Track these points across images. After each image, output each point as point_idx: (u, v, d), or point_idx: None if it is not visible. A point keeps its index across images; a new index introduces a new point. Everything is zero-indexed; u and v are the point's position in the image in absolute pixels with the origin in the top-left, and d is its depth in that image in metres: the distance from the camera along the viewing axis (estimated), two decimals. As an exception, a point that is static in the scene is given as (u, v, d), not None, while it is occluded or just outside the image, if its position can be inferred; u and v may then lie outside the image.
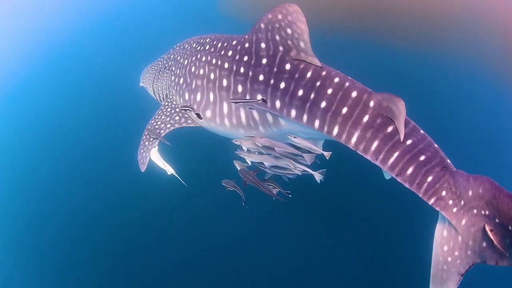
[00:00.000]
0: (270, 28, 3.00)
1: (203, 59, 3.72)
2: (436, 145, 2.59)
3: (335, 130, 2.72)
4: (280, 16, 2.92)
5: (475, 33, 10.92)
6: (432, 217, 2.71)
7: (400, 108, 2.48)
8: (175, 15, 13.71)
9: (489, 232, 2.26)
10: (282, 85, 2.95)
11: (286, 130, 3.17)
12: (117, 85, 9.39)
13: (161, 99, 4.80)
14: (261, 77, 3.09)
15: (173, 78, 4.30)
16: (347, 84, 2.75)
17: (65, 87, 11.30)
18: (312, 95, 2.80)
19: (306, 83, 2.85)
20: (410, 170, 2.50)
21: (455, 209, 2.44)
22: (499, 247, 2.22)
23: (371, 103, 2.62)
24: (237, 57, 3.31)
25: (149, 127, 4.08)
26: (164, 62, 4.74)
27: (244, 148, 3.43)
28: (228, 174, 3.82)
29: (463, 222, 2.43)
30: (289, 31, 2.91)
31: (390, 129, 2.56)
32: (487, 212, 2.30)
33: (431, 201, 2.49)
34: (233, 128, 3.58)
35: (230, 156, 3.76)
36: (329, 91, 2.75)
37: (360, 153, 2.67)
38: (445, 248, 2.58)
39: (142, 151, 4.03)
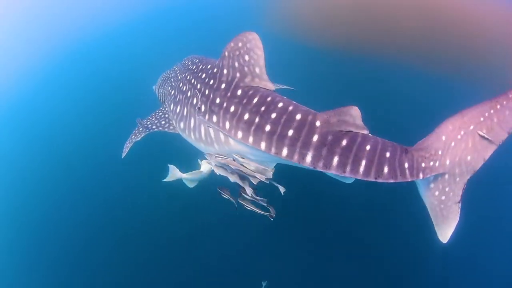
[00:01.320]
0: (232, 55, 3.35)
1: (188, 77, 4.25)
2: (386, 140, 2.86)
3: (284, 152, 2.88)
4: (240, 44, 3.27)
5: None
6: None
7: (354, 114, 2.72)
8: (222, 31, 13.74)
9: (479, 136, 2.67)
10: (232, 108, 3.25)
11: (236, 150, 3.43)
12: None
13: (161, 103, 5.44)
14: (217, 100, 3.43)
15: (169, 89, 4.95)
16: (290, 108, 2.98)
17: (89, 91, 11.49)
18: (257, 119, 3.03)
19: (251, 108, 3.10)
20: (386, 169, 2.68)
21: (437, 163, 2.76)
22: (487, 137, 2.62)
23: (317, 123, 2.82)
24: (206, 80, 3.75)
25: (140, 119, 4.81)
26: (171, 72, 5.35)
27: (212, 162, 3.77)
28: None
29: (447, 162, 2.76)
30: (246, 57, 3.24)
31: (344, 142, 2.72)
32: (462, 132, 2.69)
33: (421, 176, 2.75)
34: (196, 141, 4.02)
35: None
36: (273, 115, 2.97)
37: (320, 170, 2.78)
38: (436, 193, 2.92)
39: (128, 141, 4.76)
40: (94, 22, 16.20)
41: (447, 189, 2.86)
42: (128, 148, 4.86)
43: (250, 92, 3.20)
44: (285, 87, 5.85)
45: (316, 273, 5.95)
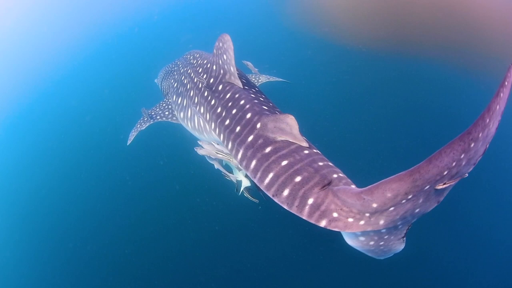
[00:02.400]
0: (216, 53, 3.67)
1: (188, 71, 4.58)
2: (319, 163, 2.46)
3: (229, 146, 3.03)
4: (220, 44, 3.55)
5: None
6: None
7: (291, 123, 2.58)
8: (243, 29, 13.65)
9: (440, 187, 1.84)
10: (212, 102, 3.58)
11: (216, 139, 3.66)
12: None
13: (164, 95, 5.76)
14: (205, 93, 3.79)
15: (172, 81, 5.29)
16: (247, 106, 3.06)
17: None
18: (224, 113, 3.26)
19: (223, 103, 3.37)
20: (286, 192, 2.36)
21: (362, 222, 2.10)
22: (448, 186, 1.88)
23: (258, 125, 2.79)
24: (201, 74, 4.10)
25: (146, 109, 5.28)
26: (173, 66, 5.64)
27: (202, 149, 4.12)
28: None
29: (382, 222, 2.10)
30: (224, 57, 3.51)
31: (268, 149, 2.59)
32: (410, 196, 1.89)
33: (323, 224, 2.18)
34: (192, 130, 4.39)
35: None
36: (234, 111, 3.15)
37: (243, 169, 2.79)
38: (371, 243, 2.39)
39: (134, 130, 5.28)
40: (104, 24, 16.45)
41: (386, 236, 2.33)
42: (133, 136, 5.32)
43: (227, 88, 3.48)
44: (278, 79, 6.22)
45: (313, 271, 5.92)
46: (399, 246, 2.41)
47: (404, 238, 2.36)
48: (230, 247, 6.16)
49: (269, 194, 2.45)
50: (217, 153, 3.79)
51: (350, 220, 2.11)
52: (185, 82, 4.60)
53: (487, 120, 1.64)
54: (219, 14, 15.44)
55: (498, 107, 1.66)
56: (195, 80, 4.22)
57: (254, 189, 3.77)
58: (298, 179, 2.34)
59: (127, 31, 15.42)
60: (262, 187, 2.51)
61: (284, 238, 6.06)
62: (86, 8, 18.05)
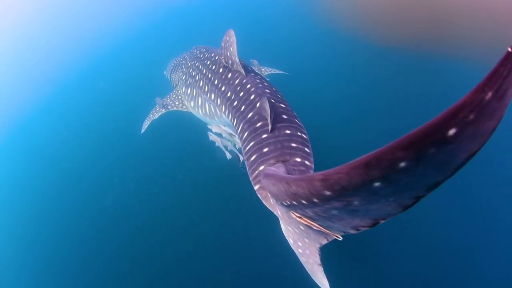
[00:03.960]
0: (224, 46, 4.18)
1: (196, 64, 5.05)
2: (292, 144, 2.72)
3: (234, 122, 3.52)
4: (227, 38, 4.10)
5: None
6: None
7: (264, 105, 3.03)
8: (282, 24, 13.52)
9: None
10: (223, 88, 4.07)
11: (226, 122, 4.17)
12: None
13: (174, 86, 6.23)
14: (215, 82, 4.29)
15: (180, 74, 5.74)
16: (252, 89, 3.53)
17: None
18: (233, 96, 3.74)
19: (233, 88, 3.85)
20: (252, 158, 2.84)
21: (272, 201, 2.35)
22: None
23: (257, 104, 3.26)
24: (210, 66, 4.58)
25: (159, 98, 5.91)
26: (181, 60, 6.09)
27: (213, 130, 4.78)
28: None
29: (279, 212, 2.27)
30: (231, 49, 4.04)
31: (258, 124, 3.03)
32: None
33: (256, 188, 2.65)
34: (203, 116, 4.93)
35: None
36: (241, 94, 3.63)
37: (240, 141, 3.22)
38: (291, 240, 2.45)
39: (147, 119, 5.86)
40: (115, 23, 16.72)
41: (299, 243, 2.31)
42: (147, 125, 5.83)
43: (236, 75, 3.96)
44: (277, 71, 6.62)
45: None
46: (322, 277, 2.29)
47: (322, 269, 2.26)
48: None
49: (244, 158, 2.96)
50: (225, 135, 4.38)
51: (268, 196, 2.42)
52: (194, 74, 5.07)
53: None
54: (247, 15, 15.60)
55: None
56: (204, 71, 4.70)
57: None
58: (265, 150, 2.76)
59: (139, 31, 15.70)
60: (243, 154, 3.00)
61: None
62: (102, 14, 18.35)
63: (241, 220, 6.23)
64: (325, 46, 10.58)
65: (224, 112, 3.92)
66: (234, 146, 4.56)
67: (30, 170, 9.57)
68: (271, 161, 2.63)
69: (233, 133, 4.21)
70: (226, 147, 4.64)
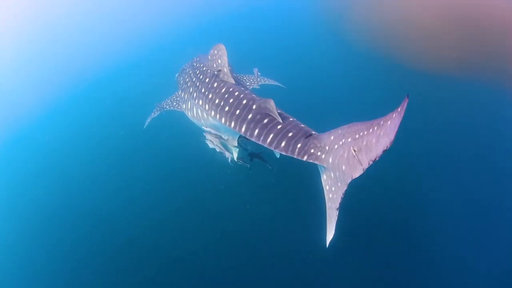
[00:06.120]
0: (211, 58, 4.92)
1: (190, 72, 5.81)
2: (302, 125, 3.69)
3: (232, 125, 4.16)
4: (215, 51, 4.84)
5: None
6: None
7: (272, 104, 3.81)
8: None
9: (352, 152, 2.64)
10: (210, 95, 4.75)
11: (212, 124, 4.92)
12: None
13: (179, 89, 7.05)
14: (202, 90, 5.01)
15: (181, 79, 6.44)
16: (241, 95, 4.25)
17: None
18: (222, 103, 4.43)
19: (221, 95, 4.55)
20: (283, 143, 3.58)
21: (323, 155, 3.27)
22: (357, 158, 2.59)
23: (254, 106, 4.02)
24: (198, 75, 5.31)
25: (158, 103, 6.67)
26: (185, 66, 6.76)
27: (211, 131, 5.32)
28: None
29: (330, 160, 3.14)
30: (219, 61, 4.76)
31: (265, 121, 3.81)
32: (343, 140, 2.93)
33: (305, 158, 3.40)
34: (192, 118, 5.69)
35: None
36: (231, 100, 4.32)
37: (248, 137, 3.95)
38: (327, 187, 3.28)
39: (149, 117, 6.55)
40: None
41: (333, 188, 3.12)
42: (148, 122, 6.57)
43: (221, 85, 4.64)
44: (275, 83, 7.10)
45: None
46: (333, 222, 3.07)
47: (337, 214, 3.02)
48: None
49: (271, 147, 3.67)
50: (219, 139, 5.08)
51: (319, 153, 3.29)
52: (187, 80, 5.83)
53: (381, 122, 2.38)
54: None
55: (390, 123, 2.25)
56: (194, 80, 5.43)
57: (246, 158, 5.37)
58: (290, 134, 3.57)
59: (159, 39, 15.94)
60: (265, 145, 3.71)
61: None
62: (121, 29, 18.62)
63: (241, 220, 6.47)
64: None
65: (216, 117, 4.52)
66: (224, 146, 5.19)
67: (35, 170, 9.42)
68: (301, 139, 3.45)
69: (223, 137, 4.98)
70: (223, 148, 5.20)
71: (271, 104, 3.82)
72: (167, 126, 7.59)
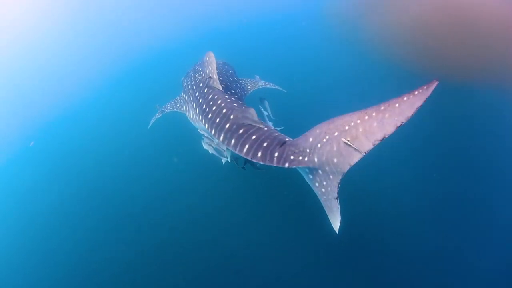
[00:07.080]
0: (205, 65, 5.20)
1: (192, 75, 6.13)
2: (276, 134, 3.80)
3: (212, 132, 4.36)
4: (206, 58, 5.15)
5: None
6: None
7: (252, 113, 3.98)
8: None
9: (344, 142, 2.78)
10: (200, 100, 5.07)
11: (202, 127, 5.03)
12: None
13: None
14: (196, 94, 5.35)
15: (184, 82, 6.77)
16: (223, 104, 4.43)
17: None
18: (207, 109, 4.66)
19: (207, 102, 4.81)
20: (259, 154, 3.67)
21: (306, 158, 3.30)
22: (352, 146, 2.74)
23: (231, 116, 4.18)
24: (196, 80, 5.67)
25: (158, 105, 7.00)
26: (191, 69, 7.03)
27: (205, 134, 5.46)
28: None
29: (316, 159, 3.19)
30: (210, 67, 5.03)
31: (241, 131, 3.94)
32: (327, 137, 3.01)
33: (287, 165, 3.47)
34: (190, 119, 6.00)
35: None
36: (214, 108, 4.56)
37: (226, 146, 4.05)
38: (317, 184, 3.36)
39: (153, 118, 6.86)
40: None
41: (324, 183, 3.23)
42: (152, 122, 6.95)
43: (209, 91, 4.94)
44: (275, 87, 7.32)
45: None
46: (337, 209, 3.19)
47: (338, 202, 3.16)
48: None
49: (248, 157, 3.74)
50: (214, 143, 5.18)
51: (300, 158, 3.34)
52: (188, 83, 6.21)
53: (382, 108, 2.60)
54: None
55: (398, 105, 2.50)
56: (192, 83, 5.82)
57: (240, 159, 5.28)
58: (265, 144, 3.67)
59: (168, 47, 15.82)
60: (242, 154, 3.79)
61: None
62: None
63: (240, 220, 6.58)
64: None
65: (202, 121, 4.83)
66: (216, 149, 5.31)
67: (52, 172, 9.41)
68: (277, 148, 3.53)
69: (214, 140, 5.05)
70: (215, 151, 5.30)
71: (251, 112, 4.01)
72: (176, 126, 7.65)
